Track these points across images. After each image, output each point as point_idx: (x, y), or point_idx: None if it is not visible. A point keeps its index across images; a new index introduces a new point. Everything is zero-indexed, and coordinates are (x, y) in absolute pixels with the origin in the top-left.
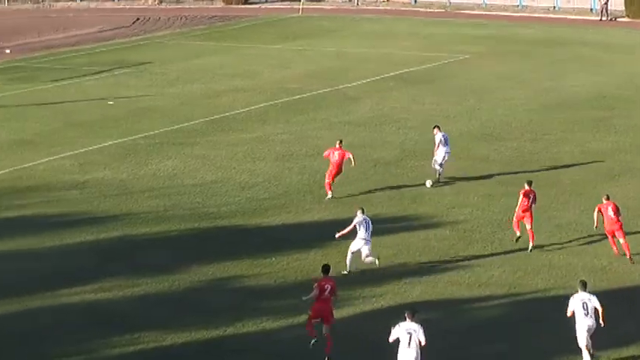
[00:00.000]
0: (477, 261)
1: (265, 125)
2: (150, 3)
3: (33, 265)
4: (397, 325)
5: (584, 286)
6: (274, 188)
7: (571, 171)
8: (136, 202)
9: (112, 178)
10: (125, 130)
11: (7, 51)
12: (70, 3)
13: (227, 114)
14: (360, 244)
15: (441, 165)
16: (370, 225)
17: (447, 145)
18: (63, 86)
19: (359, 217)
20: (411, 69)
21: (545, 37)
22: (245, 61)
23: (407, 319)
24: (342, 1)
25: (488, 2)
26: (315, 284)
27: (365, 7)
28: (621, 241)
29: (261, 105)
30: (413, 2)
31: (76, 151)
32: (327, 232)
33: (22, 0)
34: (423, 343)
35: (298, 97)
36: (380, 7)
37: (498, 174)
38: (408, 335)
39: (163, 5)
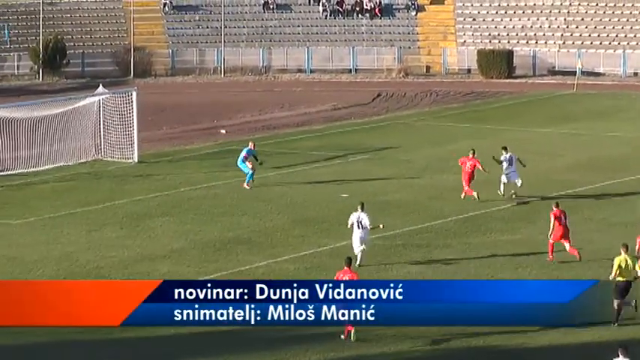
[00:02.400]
0: None
1: (531, 225)
2: (393, 76)
3: None
4: None
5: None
6: None
7: None
8: None
9: None
10: None
11: (223, 131)
12: (297, 75)
13: (485, 211)
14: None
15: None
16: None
17: (511, 165)
18: (287, 174)
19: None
20: None
21: None
22: (510, 148)
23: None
24: (626, 76)
25: None
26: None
27: None
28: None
29: (526, 200)
30: None
31: (302, 253)
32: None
33: (240, 71)
34: None
35: (570, 191)
36: None
37: None
38: None
39: (410, 79)
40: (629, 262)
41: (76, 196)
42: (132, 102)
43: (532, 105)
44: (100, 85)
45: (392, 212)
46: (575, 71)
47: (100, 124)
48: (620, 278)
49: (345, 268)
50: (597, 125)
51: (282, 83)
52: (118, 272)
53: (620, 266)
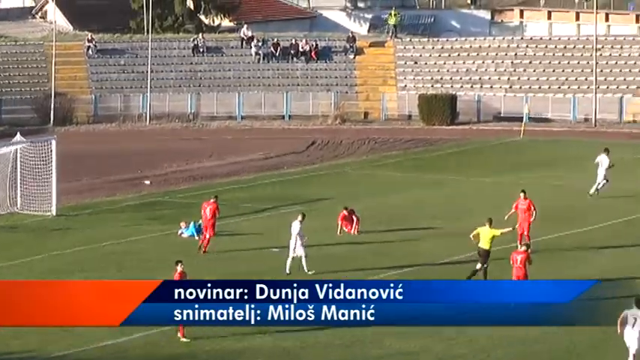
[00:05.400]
0: None
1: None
2: (329, 122)
3: None
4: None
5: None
6: None
7: None
8: None
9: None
10: None
11: (147, 182)
12: (227, 122)
13: (427, 265)
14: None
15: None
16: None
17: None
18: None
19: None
20: None
21: None
22: (450, 199)
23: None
24: (576, 122)
25: None
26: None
27: (604, 130)
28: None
29: (470, 254)
30: None
31: None
32: None
33: (167, 118)
34: None
35: (516, 244)
36: (623, 130)
37: None
38: (633, 319)
39: (346, 125)
40: (489, 234)
41: None
42: (51, 151)
43: (476, 153)
44: (18, 133)
45: (336, 266)
46: (522, 117)
47: (16, 175)
48: (481, 246)
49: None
50: (546, 174)
51: (211, 131)
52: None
53: (479, 234)
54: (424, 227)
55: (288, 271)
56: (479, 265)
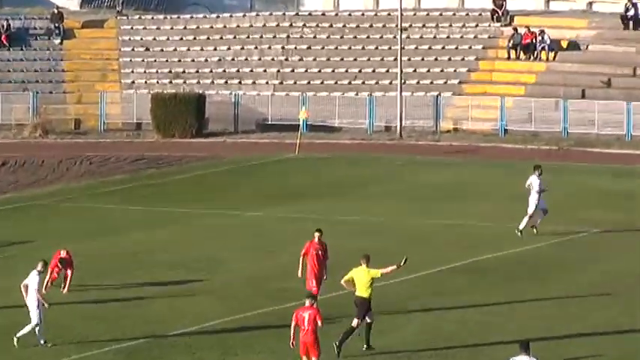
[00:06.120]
0: None
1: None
2: (26, 135)
3: None
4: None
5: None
6: None
7: None
8: None
9: None
10: None
11: None
12: None
13: (161, 337)
14: None
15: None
16: None
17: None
18: None
19: None
20: (496, 254)
21: None
22: (197, 240)
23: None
24: (373, 131)
25: (635, 133)
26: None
27: (413, 142)
28: None
29: (219, 321)
30: (501, 134)
31: None
32: None
33: None
34: None
35: (289, 305)
36: (440, 142)
37: None
38: None
39: (51, 139)
40: (367, 276)
41: None
42: None
43: (235, 176)
44: None
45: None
46: (298, 125)
47: None
48: (358, 294)
49: None
50: (331, 205)
51: None
52: None
53: (353, 279)
54: (157, 282)
55: (42, 342)
56: (355, 322)
